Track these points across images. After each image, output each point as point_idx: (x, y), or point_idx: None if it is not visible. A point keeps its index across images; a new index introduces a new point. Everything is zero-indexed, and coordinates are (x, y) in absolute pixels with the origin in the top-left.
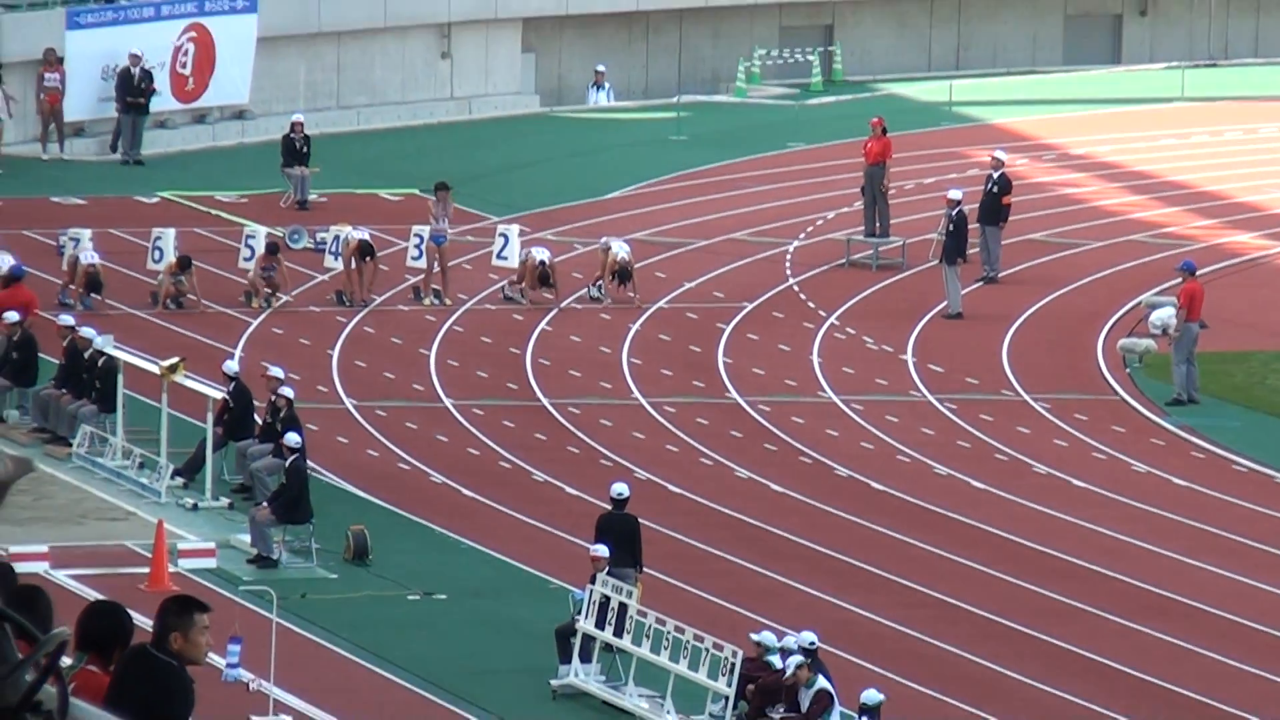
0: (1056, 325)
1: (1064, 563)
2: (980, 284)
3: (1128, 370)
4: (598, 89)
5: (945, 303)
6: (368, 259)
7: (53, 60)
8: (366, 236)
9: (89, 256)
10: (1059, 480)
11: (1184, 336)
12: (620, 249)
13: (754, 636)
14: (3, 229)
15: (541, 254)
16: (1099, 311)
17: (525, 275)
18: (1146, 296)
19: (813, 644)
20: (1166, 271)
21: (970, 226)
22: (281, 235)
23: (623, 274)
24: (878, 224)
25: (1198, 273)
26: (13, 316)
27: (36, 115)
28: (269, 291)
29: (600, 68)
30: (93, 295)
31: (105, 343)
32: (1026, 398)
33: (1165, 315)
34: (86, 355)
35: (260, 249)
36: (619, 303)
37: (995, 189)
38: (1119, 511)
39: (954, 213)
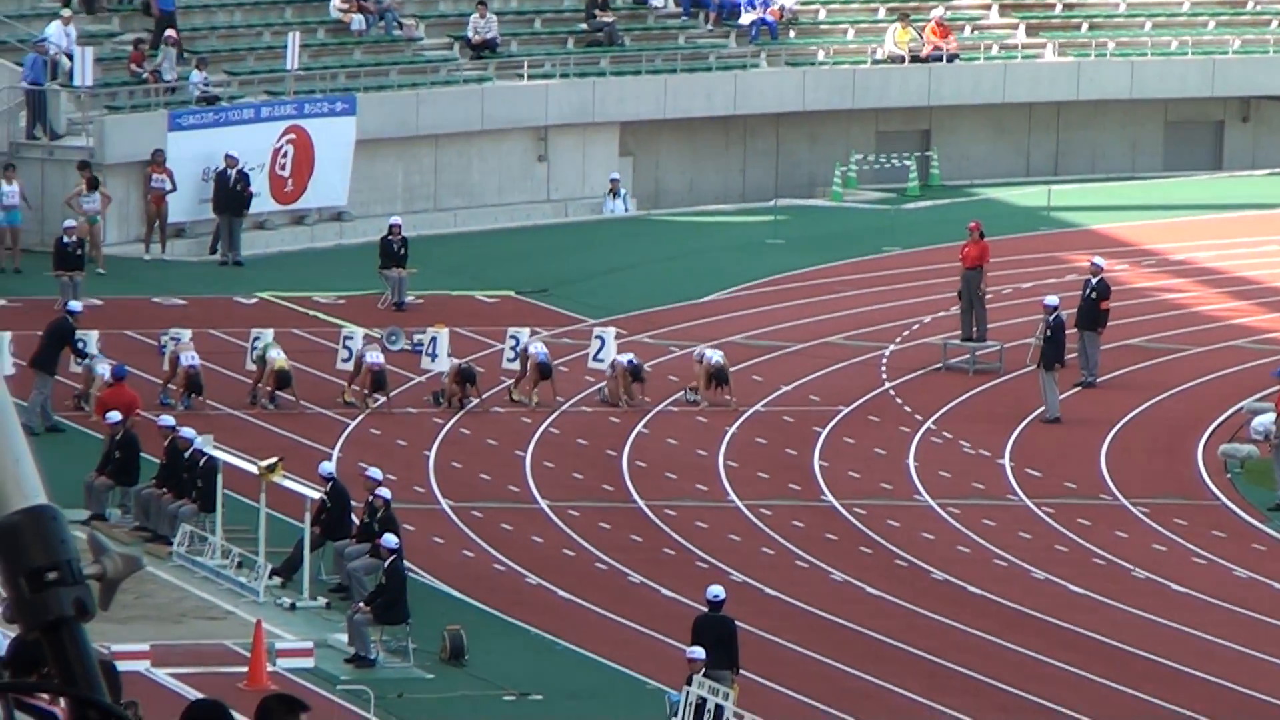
0: (1156, 430)
1: (1163, 667)
2: (1078, 389)
3: (1228, 475)
4: (614, 196)
5: (1043, 408)
6: (468, 384)
7: (160, 162)
8: (464, 364)
9: (189, 358)
10: (1158, 585)
11: None
12: (714, 355)
13: None
14: (105, 329)
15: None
16: (1199, 417)
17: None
18: (1248, 402)
19: None
20: (1267, 377)
21: (1069, 331)
22: (379, 337)
23: (719, 376)
24: (975, 328)
25: None
26: (115, 416)
27: (141, 216)
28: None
29: (615, 175)
30: (193, 396)
31: (205, 443)
32: (1125, 503)
33: (1267, 421)
34: (187, 455)
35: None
36: (715, 405)
37: (1094, 294)
38: (1219, 616)
39: (1051, 319)
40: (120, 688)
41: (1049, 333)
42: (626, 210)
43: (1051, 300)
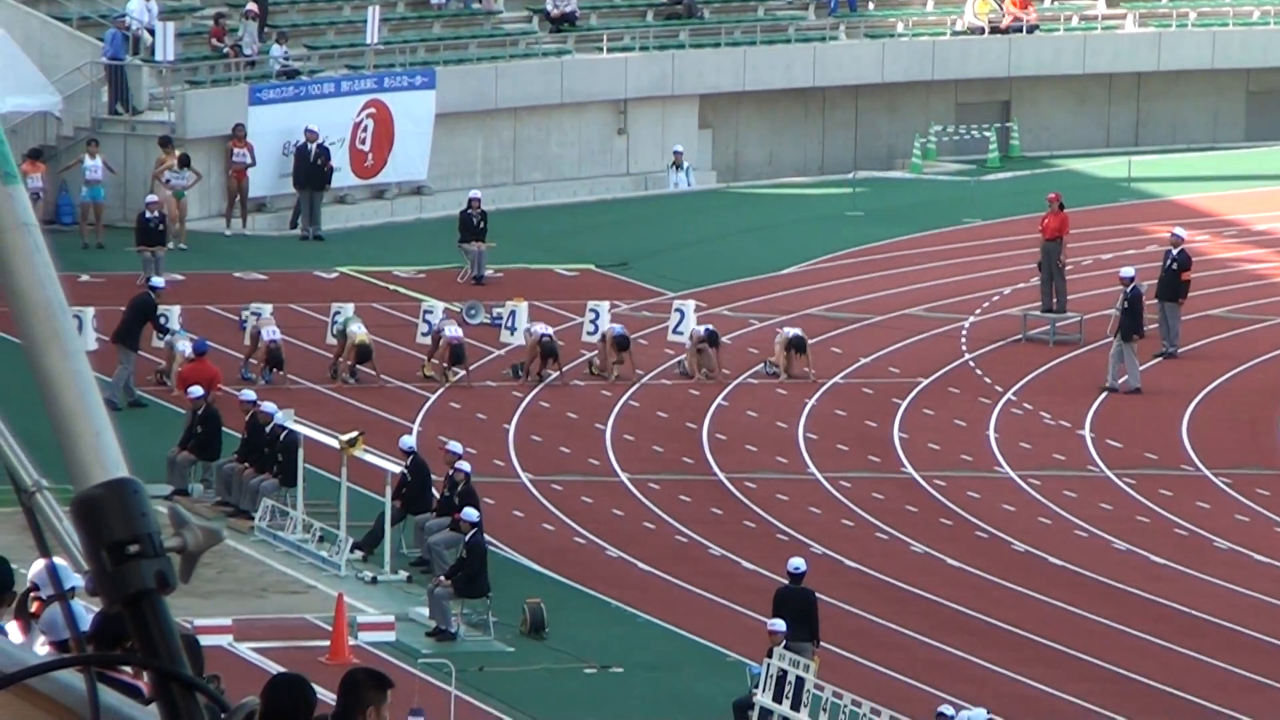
0: (1237, 401)
1: (1246, 637)
2: (1159, 359)
3: None
4: (677, 169)
5: (1125, 378)
6: (549, 359)
7: (241, 136)
8: (549, 333)
9: (271, 333)
10: (1240, 555)
11: None
12: (791, 330)
13: (939, 709)
14: (187, 304)
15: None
16: None
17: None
18: None
19: (989, 718)
20: None
21: (1149, 302)
22: (459, 310)
23: (797, 345)
24: (1054, 300)
25: None
26: (197, 391)
27: (222, 191)
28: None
29: (679, 148)
30: (274, 370)
31: (286, 417)
32: (1207, 473)
33: None
34: (268, 430)
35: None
36: (795, 378)
37: (1175, 265)
38: None
39: (1129, 290)
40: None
41: (1126, 304)
42: (690, 184)
43: (1128, 271)
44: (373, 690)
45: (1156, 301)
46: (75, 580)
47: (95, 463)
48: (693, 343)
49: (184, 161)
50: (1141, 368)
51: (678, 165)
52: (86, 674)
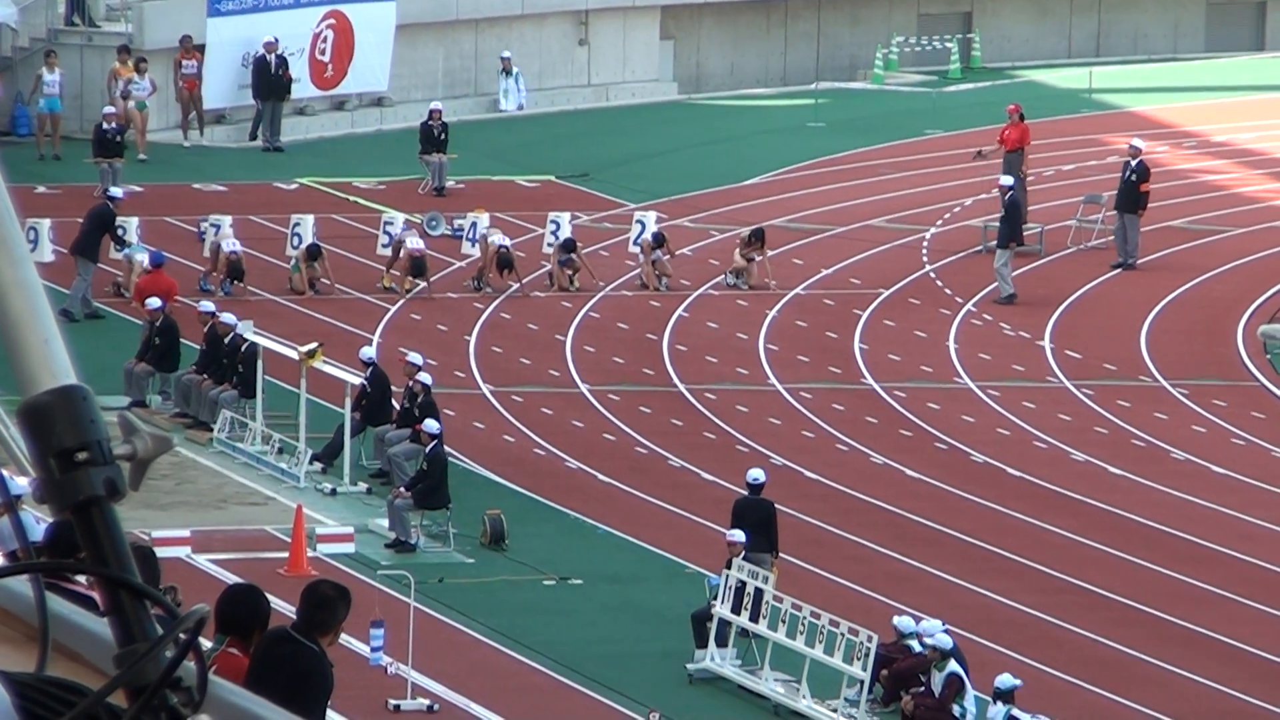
0: (1196, 312)
1: (1202, 548)
2: (1117, 270)
3: (1268, 356)
4: (506, 75)
5: (997, 285)
6: (506, 270)
7: (190, 47)
8: (506, 244)
9: (230, 244)
10: (1197, 466)
11: None
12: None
13: (895, 621)
14: (146, 215)
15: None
16: (1239, 298)
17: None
18: None
19: (945, 628)
20: None
21: (1108, 214)
22: (419, 222)
23: (756, 236)
24: None
25: None
26: (155, 303)
27: (176, 103)
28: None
29: (506, 54)
30: (234, 282)
31: (246, 328)
32: (1165, 384)
33: None
34: (227, 341)
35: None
36: (756, 288)
37: (1133, 177)
38: (1258, 496)
39: (1006, 199)
40: (159, 572)
41: (1003, 212)
42: (521, 90)
43: (1007, 180)
44: (344, 607)
45: (1115, 213)
46: (20, 488)
47: (44, 370)
48: (645, 252)
49: (140, 69)
50: (1099, 280)
51: (507, 71)
52: (34, 582)
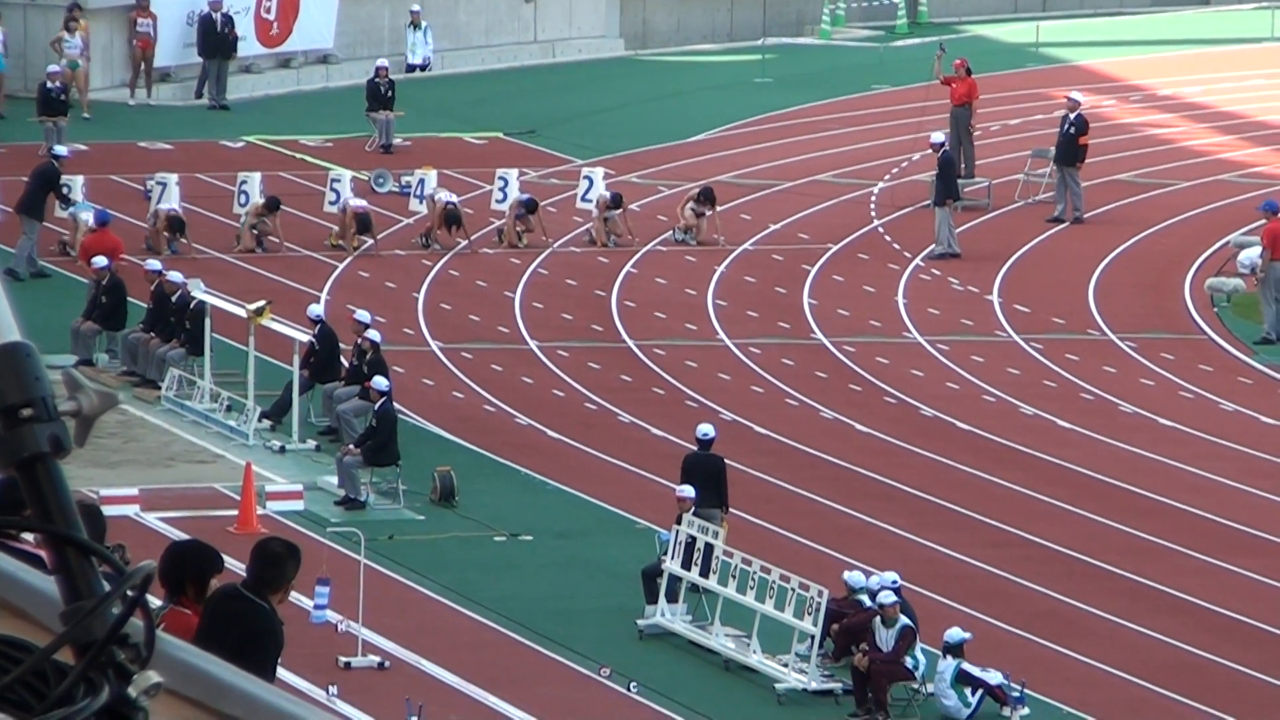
0: (1143, 266)
1: (1150, 501)
2: (1062, 225)
3: (1215, 310)
4: (415, 29)
5: (934, 246)
6: (454, 227)
7: (145, 6)
8: (454, 200)
9: (169, 202)
10: (1145, 419)
11: (1269, 276)
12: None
13: (845, 576)
14: (91, 174)
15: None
16: (1186, 252)
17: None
18: (1235, 236)
19: (896, 583)
20: (1253, 212)
21: (1049, 168)
22: (368, 179)
23: (706, 195)
24: (963, 165)
25: None
26: (101, 262)
27: (127, 61)
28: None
29: (416, 7)
30: (179, 238)
31: (196, 286)
32: (1113, 337)
33: (1254, 255)
34: (175, 299)
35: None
36: (705, 244)
37: (1072, 130)
38: (1206, 450)
39: (941, 156)
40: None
41: (937, 169)
42: (428, 43)
43: (938, 137)
44: (294, 564)
45: (1055, 166)
46: None
47: None
48: (600, 209)
49: (70, 27)
50: (1047, 234)
51: (415, 25)
52: None
